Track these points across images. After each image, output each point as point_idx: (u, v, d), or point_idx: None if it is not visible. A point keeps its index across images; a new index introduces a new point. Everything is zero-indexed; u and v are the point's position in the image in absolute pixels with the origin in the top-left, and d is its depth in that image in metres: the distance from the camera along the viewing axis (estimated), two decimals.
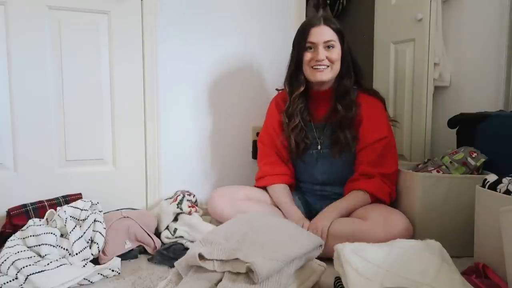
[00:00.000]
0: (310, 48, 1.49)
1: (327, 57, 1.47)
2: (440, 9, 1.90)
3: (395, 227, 1.33)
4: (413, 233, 1.39)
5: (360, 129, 1.52)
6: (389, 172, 1.50)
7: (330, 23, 1.49)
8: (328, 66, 1.48)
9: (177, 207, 1.55)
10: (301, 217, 1.47)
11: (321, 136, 1.57)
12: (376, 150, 1.50)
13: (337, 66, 1.50)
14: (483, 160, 1.44)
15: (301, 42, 1.51)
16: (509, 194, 1.12)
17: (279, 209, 1.56)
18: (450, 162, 1.48)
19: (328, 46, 1.48)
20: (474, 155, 1.46)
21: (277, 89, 1.70)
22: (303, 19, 2.00)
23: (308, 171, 1.61)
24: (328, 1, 2.97)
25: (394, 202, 1.56)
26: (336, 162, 1.55)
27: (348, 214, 1.46)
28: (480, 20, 1.81)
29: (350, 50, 1.54)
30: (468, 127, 1.59)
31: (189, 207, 1.57)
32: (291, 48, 1.57)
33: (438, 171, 1.48)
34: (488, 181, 1.21)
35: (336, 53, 1.49)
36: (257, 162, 1.68)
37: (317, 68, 1.48)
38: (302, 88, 1.53)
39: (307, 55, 1.50)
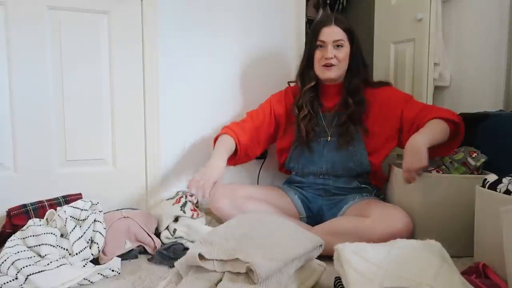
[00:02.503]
0: (321, 46, 1.56)
1: (335, 56, 1.54)
2: (440, 9, 1.90)
3: (395, 224, 1.34)
4: (413, 233, 1.39)
5: (383, 111, 1.56)
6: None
7: (341, 23, 1.56)
8: (335, 65, 1.54)
9: (181, 210, 1.55)
10: (222, 166, 1.49)
11: (329, 126, 1.62)
12: (414, 104, 1.55)
13: (344, 65, 1.56)
14: (483, 160, 1.44)
15: (312, 41, 1.59)
16: (509, 194, 1.12)
17: (278, 208, 1.57)
18: (450, 162, 1.48)
19: (337, 45, 1.54)
20: (474, 155, 1.46)
21: (289, 83, 1.78)
22: (303, 18, 2.01)
23: (314, 160, 1.62)
24: (328, 1, 2.97)
25: (394, 202, 1.56)
26: (342, 152, 1.58)
27: (435, 146, 1.38)
28: (480, 20, 1.81)
29: (361, 50, 1.60)
30: (468, 127, 1.59)
31: (192, 210, 1.57)
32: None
33: (438, 171, 1.48)
34: (488, 181, 1.21)
35: (344, 52, 1.55)
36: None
37: (326, 66, 1.54)
38: (312, 83, 1.61)
39: (318, 53, 1.57)
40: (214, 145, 1.62)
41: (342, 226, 1.40)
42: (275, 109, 1.69)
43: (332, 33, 1.54)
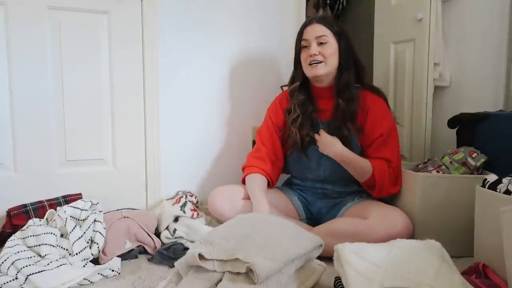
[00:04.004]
0: (305, 46, 1.53)
1: (320, 53, 1.50)
2: (440, 9, 1.90)
3: (395, 225, 1.35)
4: (413, 233, 1.39)
5: (366, 126, 1.53)
6: (391, 159, 1.50)
7: (323, 21, 1.53)
8: (322, 62, 1.50)
9: (181, 210, 1.55)
10: (267, 209, 1.46)
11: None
12: (380, 144, 1.51)
13: (331, 62, 1.51)
14: (483, 160, 1.45)
15: (297, 43, 1.57)
16: (509, 194, 1.12)
17: (278, 209, 1.56)
18: (450, 162, 1.48)
19: (321, 42, 1.51)
20: (474, 155, 1.46)
21: (282, 87, 1.74)
22: (303, 18, 2.00)
23: (312, 167, 1.60)
24: (328, 1, 2.97)
25: (394, 202, 1.56)
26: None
27: (348, 167, 1.50)
28: (480, 20, 1.81)
29: (352, 48, 1.55)
30: (468, 127, 1.59)
31: (192, 210, 1.57)
32: (290, 48, 1.61)
33: (438, 171, 1.48)
34: (488, 181, 1.21)
35: (329, 48, 1.51)
36: (248, 153, 1.67)
37: (312, 64, 1.50)
38: (298, 82, 1.57)
39: (303, 53, 1.55)
40: (243, 182, 1.60)
41: (342, 227, 1.40)
42: (276, 124, 1.64)
43: (313, 30, 1.51)
